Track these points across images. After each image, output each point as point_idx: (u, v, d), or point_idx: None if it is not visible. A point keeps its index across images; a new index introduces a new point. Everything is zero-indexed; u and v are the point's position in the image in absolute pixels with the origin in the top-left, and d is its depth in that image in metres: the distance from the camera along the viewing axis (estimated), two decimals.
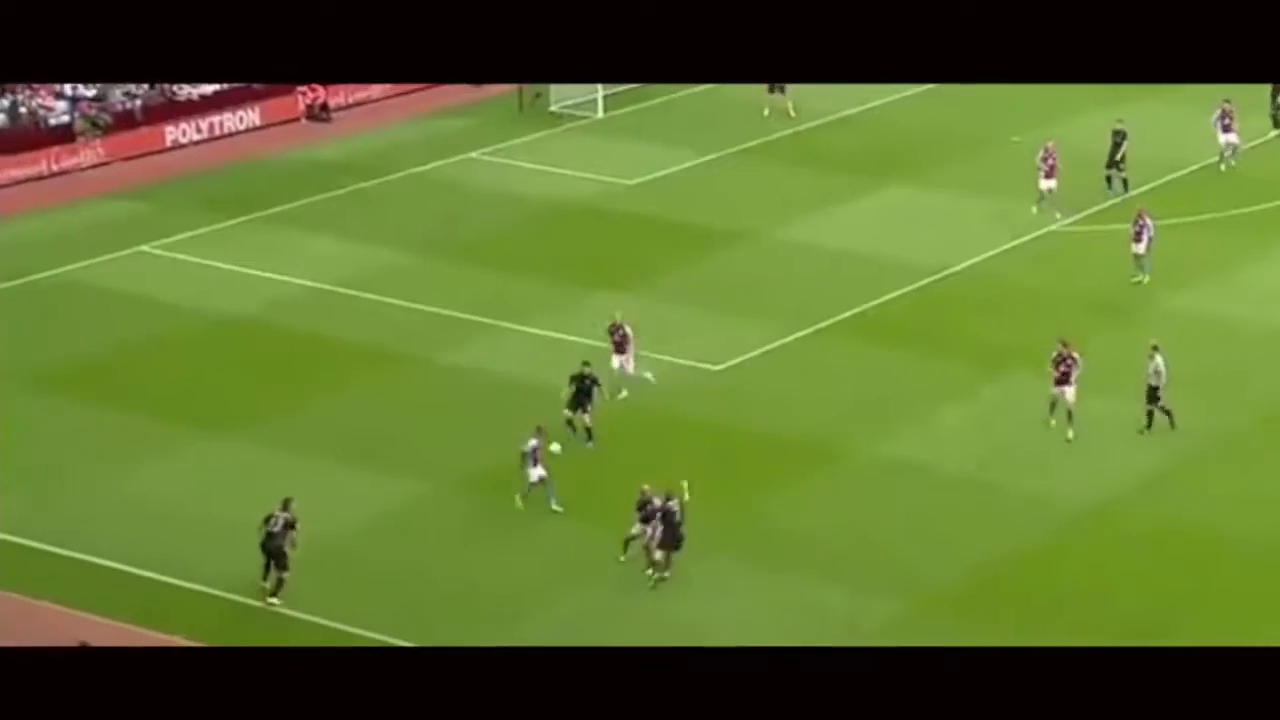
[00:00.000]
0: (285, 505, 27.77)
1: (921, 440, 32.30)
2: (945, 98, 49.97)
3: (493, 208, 43.55)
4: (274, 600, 27.26)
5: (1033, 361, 33.51)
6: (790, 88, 48.84)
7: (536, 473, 29.54)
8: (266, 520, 27.58)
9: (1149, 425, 32.09)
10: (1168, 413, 32.05)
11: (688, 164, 46.33)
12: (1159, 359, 32.11)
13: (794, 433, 32.37)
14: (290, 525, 27.45)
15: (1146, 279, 38.22)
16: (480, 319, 37.00)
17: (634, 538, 27.92)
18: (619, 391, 32.88)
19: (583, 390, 31.61)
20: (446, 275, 39.44)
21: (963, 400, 33.82)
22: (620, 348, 33.19)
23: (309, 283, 39.14)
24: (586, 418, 31.47)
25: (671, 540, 27.62)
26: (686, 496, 27.84)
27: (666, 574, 27.73)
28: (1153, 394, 32.04)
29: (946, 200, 43.79)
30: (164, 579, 27.94)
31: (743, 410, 33.32)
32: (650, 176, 45.40)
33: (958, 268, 39.82)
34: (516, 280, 39.10)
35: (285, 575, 27.27)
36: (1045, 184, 41.59)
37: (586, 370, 31.81)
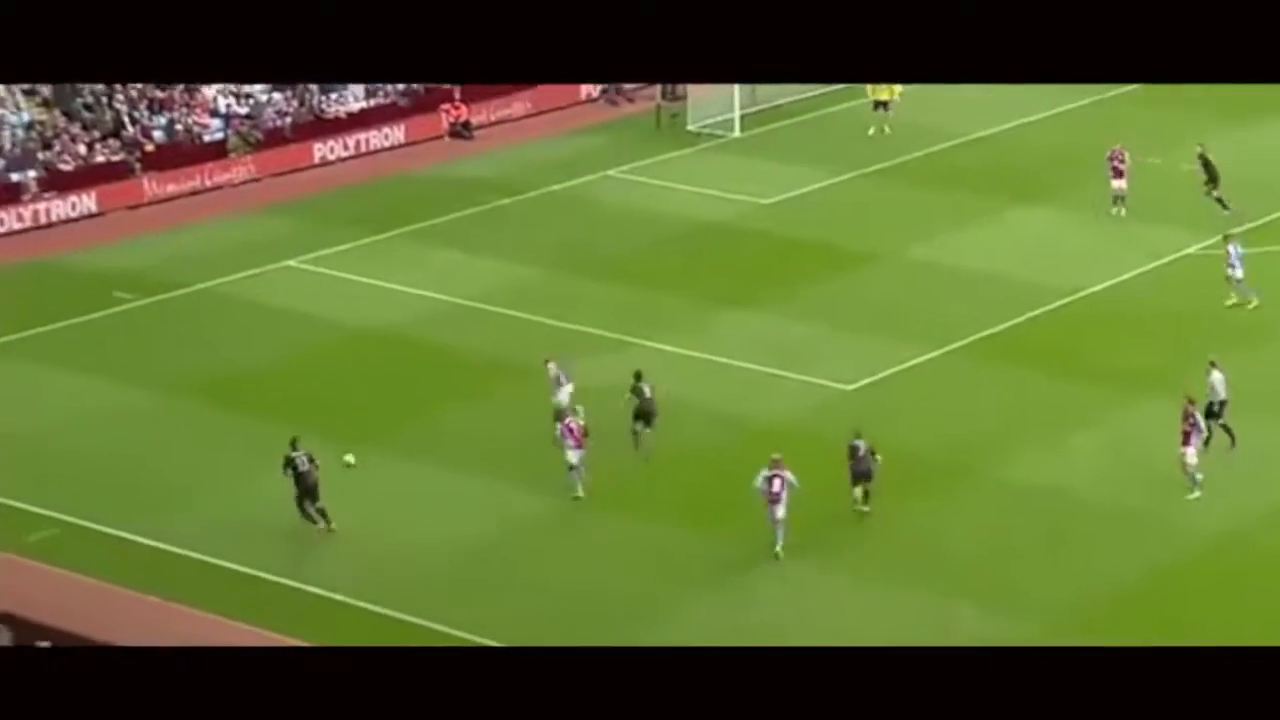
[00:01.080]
0: (294, 445, 29.71)
1: (1053, 462, 32.28)
2: (1078, 119, 49.91)
3: (628, 225, 44.12)
4: (333, 527, 29.55)
5: (1167, 386, 33.33)
6: (894, 106, 49.23)
7: (576, 456, 30.57)
8: (290, 464, 29.51)
9: (1234, 441, 31.81)
10: (1210, 431, 31.44)
11: (822, 183, 46.60)
12: (1216, 374, 31.91)
13: (925, 452, 32.49)
14: (312, 458, 29.57)
15: (1255, 302, 37.86)
16: (614, 335, 37.52)
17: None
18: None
19: (642, 402, 32.17)
20: (582, 291, 40.04)
21: (1096, 423, 33.72)
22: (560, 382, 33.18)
23: (448, 297, 39.96)
24: (648, 430, 31.95)
25: (860, 473, 29.84)
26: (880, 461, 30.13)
27: (865, 508, 29.96)
28: (1216, 410, 31.67)
29: (1081, 222, 43.63)
30: (297, 585, 28.69)
31: (874, 430, 33.27)
32: (785, 196, 45.75)
33: (1092, 289, 39.70)
34: (650, 297, 39.62)
35: (321, 505, 29.56)
36: (1115, 184, 42.63)
37: (638, 384, 32.33)
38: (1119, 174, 42.90)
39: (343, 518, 30.55)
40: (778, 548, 29.04)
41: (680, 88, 51.57)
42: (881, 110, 49.69)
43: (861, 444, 30.16)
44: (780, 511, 28.92)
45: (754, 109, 50.56)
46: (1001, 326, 37.87)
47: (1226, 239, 39.04)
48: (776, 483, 28.89)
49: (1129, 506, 30.81)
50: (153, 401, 35.15)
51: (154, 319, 39.39)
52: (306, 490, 29.77)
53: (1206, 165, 42.89)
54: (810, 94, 51.80)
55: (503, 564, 29.49)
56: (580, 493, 30.94)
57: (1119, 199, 42.88)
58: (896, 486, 31.20)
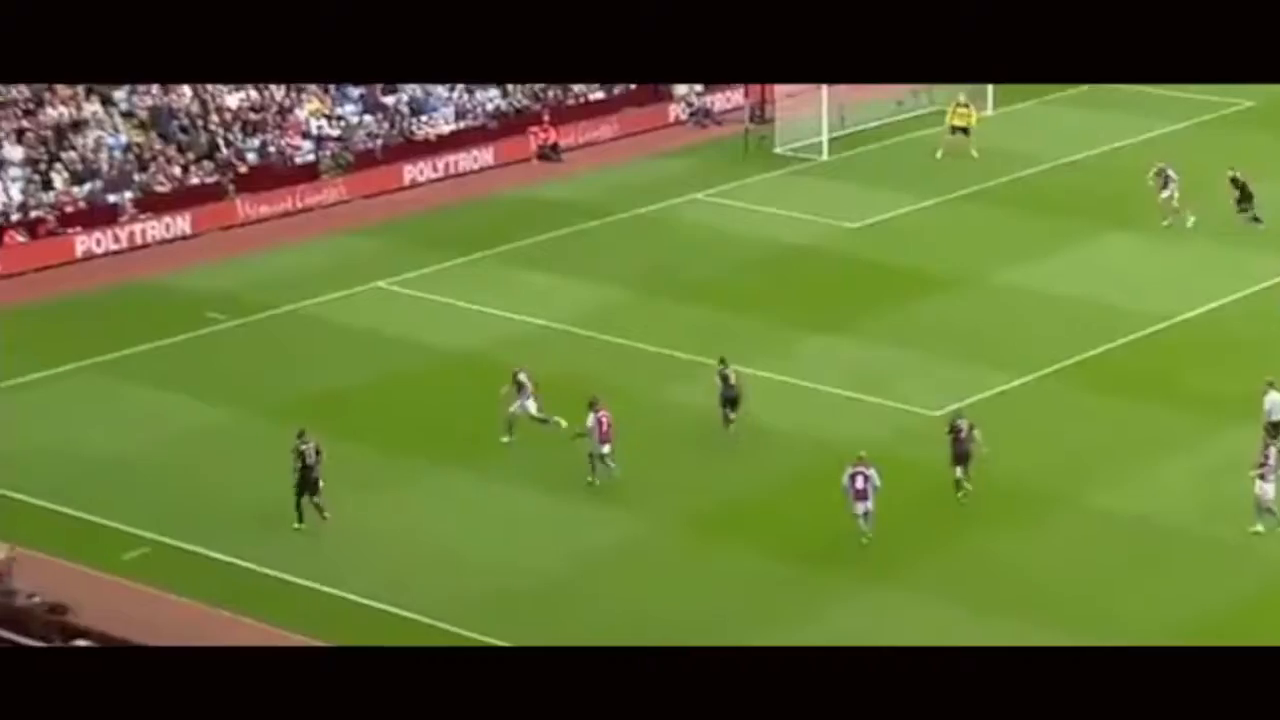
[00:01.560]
0: (302, 436, 30.30)
1: (1144, 490, 32.01)
2: (1171, 144, 49.41)
3: (715, 248, 44.17)
4: (327, 516, 30.32)
5: (1260, 414, 32.94)
6: (973, 130, 49.02)
7: (602, 449, 31.76)
8: (298, 454, 30.05)
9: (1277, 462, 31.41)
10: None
11: (909, 207, 46.46)
12: (1275, 394, 31.72)
13: (1014, 478, 32.28)
14: (319, 451, 30.18)
15: None
16: (700, 358, 37.52)
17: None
18: (511, 433, 33.81)
19: (727, 390, 33.59)
20: (668, 314, 40.13)
21: (1187, 451, 33.42)
22: (520, 390, 33.89)
23: (535, 319, 40.16)
24: (733, 414, 33.47)
25: (959, 456, 30.85)
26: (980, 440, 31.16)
27: (967, 487, 30.95)
28: (1274, 429, 31.32)
29: (1175, 247, 43.28)
30: (387, 608, 28.84)
31: None
32: (872, 220, 45.65)
33: (1185, 316, 39.33)
34: (736, 320, 39.62)
35: (320, 500, 30.13)
36: (1163, 195, 43.61)
37: (723, 369, 33.81)
38: (1164, 186, 43.84)
39: (434, 540, 30.73)
40: (864, 538, 29.80)
41: (769, 110, 51.62)
42: (961, 135, 49.45)
43: (963, 423, 31.14)
44: (862, 507, 29.73)
45: (842, 132, 50.50)
46: (1092, 352, 37.59)
47: None
48: (860, 480, 29.70)
49: (1220, 535, 30.49)
50: (243, 422, 35.48)
51: (246, 340, 39.80)
52: (308, 483, 30.25)
53: (1240, 186, 43.31)
54: (899, 118, 51.70)
55: (579, 586, 29.54)
56: (593, 480, 32.08)
57: (1165, 207, 43.57)
58: (984, 512, 31.06)
